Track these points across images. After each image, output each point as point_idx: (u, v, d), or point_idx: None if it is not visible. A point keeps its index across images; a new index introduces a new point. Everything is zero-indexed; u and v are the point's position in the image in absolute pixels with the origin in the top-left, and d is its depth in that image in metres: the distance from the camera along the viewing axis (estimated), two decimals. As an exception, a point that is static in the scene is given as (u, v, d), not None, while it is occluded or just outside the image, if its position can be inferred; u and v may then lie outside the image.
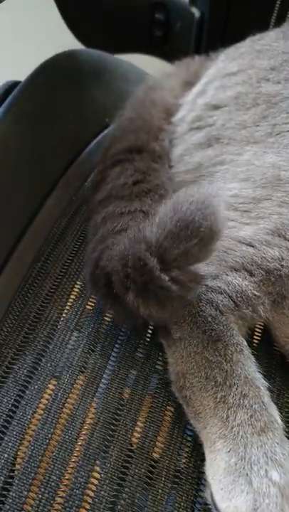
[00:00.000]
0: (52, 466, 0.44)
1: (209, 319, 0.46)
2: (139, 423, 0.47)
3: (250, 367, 0.44)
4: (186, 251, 0.40)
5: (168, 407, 0.48)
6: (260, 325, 0.54)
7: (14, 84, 0.68)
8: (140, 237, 0.43)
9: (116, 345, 0.52)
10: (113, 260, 0.45)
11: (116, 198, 0.54)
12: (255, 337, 0.53)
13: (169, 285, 0.41)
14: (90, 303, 0.55)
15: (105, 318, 0.54)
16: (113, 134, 0.65)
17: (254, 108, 0.58)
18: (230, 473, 0.39)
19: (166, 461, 0.45)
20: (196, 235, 0.40)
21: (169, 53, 0.92)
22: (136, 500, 0.43)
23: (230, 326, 0.46)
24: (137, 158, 0.58)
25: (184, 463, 0.45)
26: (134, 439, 0.46)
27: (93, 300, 0.56)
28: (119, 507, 0.42)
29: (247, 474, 0.39)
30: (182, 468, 0.45)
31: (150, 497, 0.43)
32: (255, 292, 0.47)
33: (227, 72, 0.64)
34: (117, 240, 0.48)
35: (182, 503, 0.43)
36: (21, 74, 0.70)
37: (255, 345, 0.53)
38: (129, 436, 0.46)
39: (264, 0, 0.86)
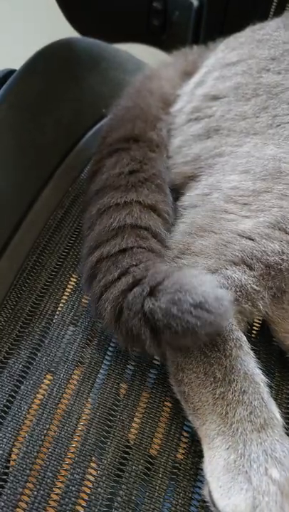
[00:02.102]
0: (47, 463, 0.43)
1: None
2: (136, 419, 0.46)
3: (249, 362, 0.43)
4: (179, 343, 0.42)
5: (165, 403, 0.47)
6: (258, 320, 0.53)
7: (10, 72, 0.67)
8: (137, 307, 0.43)
9: (112, 340, 0.51)
10: (109, 300, 0.46)
11: (111, 189, 0.53)
12: (253, 332, 0.52)
13: (157, 351, 0.44)
14: (86, 297, 0.54)
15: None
16: (110, 123, 0.64)
17: (254, 99, 0.57)
18: (229, 470, 0.39)
19: (164, 458, 0.44)
20: (193, 335, 0.40)
21: (167, 43, 0.91)
22: (133, 497, 0.42)
23: (229, 321, 0.45)
24: (133, 147, 0.57)
25: (182, 459, 0.44)
26: (131, 435, 0.45)
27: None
28: (116, 504, 0.42)
29: (246, 472, 0.38)
30: (180, 465, 0.44)
31: (147, 494, 0.42)
32: (255, 287, 0.46)
33: (227, 62, 0.63)
34: (114, 256, 0.49)
35: (179, 500, 0.42)
36: (17, 62, 0.68)
37: (253, 340, 0.52)
38: (126, 432, 0.45)
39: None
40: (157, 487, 0.43)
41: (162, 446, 0.45)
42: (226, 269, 0.47)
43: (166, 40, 0.93)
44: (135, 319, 0.42)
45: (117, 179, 0.54)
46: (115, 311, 0.45)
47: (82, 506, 0.42)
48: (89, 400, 0.47)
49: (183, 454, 0.45)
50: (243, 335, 0.45)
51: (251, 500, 0.37)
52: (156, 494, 0.42)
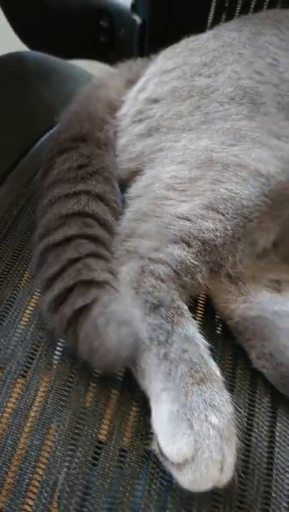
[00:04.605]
0: (7, 432, 0.46)
1: (150, 289, 0.49)
2: (92, 383, 0.50)
3: (190, 327, 0.48)
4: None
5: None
6: (202, 300, 0.58)
7: None
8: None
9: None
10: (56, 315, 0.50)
11: (62, 182, 0.57)
12: (198, 311, 0.57)
13: None
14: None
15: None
16: (59, 127, 0.68)
17: (189, 99, 0.63)
18: (173, 419, 0.43)
19: (118, 421, 0.48)
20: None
21: (114, 58, 0.97)
22: (89, 458, 0.46)
23: (172, 293, 0.50)
24: (82, 145, 0.62)
25: (133, 422, 0.48)
26: (86, 403, 0.49)
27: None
28: (73, 465, 0.45)
29: (188, 419, 0.42)
30: (131, 428, 0.48)
31: (103, 454, 0.46)
32: (194, 261, 0.51)
33: (164, 70, 0.69)
34: (58, 245, 0.53)
35: (133, 458, 0.46)
36: None
37: (199, 319, 0.57)
38: (82, 400, 0.49)
39: (200, 9, 0.93)
40: (112, 447, 0.46)
41: (116, 410, 0.48)
42: (167, 247, 0.52)
43: (113, 55, 0.99)
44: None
45: (67, 173, 0.58)
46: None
47: (42, 469, 0.45)
48: (47, 375, 0.50)
49: (134, 416, 0.48)
50: (184, 305, 0.50)
51: (193, 443, 0.41)
52: (110, 454, 0.46)
